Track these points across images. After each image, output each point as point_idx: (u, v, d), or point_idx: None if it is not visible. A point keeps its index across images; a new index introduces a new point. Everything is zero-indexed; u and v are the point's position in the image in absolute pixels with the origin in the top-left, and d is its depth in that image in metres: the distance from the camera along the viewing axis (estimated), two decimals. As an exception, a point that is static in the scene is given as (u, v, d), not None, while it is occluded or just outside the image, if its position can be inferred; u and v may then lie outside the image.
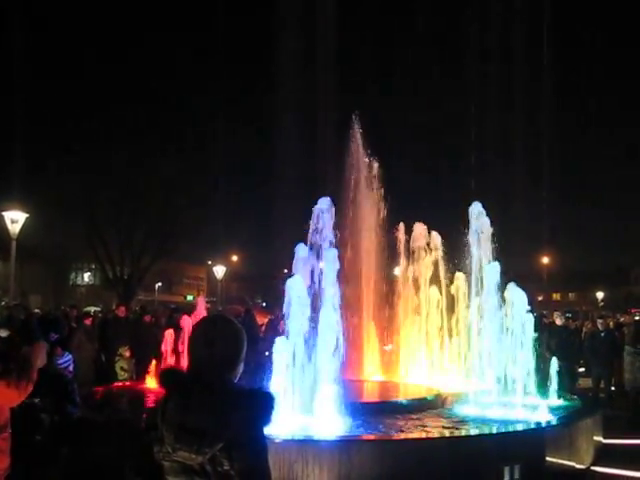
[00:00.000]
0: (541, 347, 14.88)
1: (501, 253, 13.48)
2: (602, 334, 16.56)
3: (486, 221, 13.43)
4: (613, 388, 17.97)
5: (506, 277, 12.57)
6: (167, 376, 3.15)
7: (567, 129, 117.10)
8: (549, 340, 16.01)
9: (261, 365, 12.33)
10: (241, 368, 3.19)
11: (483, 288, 12.80)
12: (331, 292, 10.33)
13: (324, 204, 12.14)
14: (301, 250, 11.28)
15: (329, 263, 10.47)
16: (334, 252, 10.71)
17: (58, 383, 9.22)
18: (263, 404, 2.96)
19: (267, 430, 2.97)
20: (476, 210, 13.42)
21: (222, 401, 2.89)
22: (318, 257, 11.73)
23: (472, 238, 13.36)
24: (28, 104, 39.70)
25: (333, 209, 12.18)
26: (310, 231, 12.13)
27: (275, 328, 16.85)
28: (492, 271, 12.60)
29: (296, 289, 10.28)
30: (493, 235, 13.40)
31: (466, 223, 13.52)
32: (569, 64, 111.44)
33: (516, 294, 11.94)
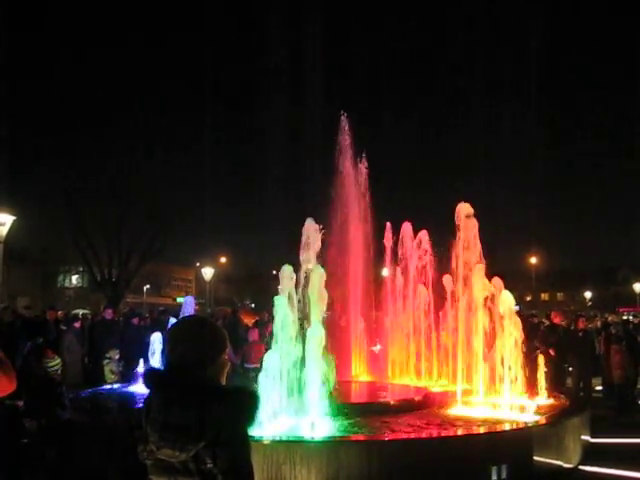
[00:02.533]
0: (533, 347, 14.98)
1: (489, 253, 13.51)
2: (580, 334, 16.62)
3: (474, 221, 13.46)
4: (599, 387, 18.09)
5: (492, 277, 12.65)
6: (150, 376, 3.17)
7: (555, 130, 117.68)
8: (549, 340, 16.01)
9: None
10: (225, 366, 3.21)
11: (470, 288, 12.84)
12: (317, 308, 10.29)
13: (310, 226, 11.98)
14: (286, 271, 11.16)
15: (315, 280, 10.40)
16: (321, 271, 10.62)
17: (47, 386, 9.21)
18: (247, 403, 2.99)
19: (252, 429, 2.99)
20: (464, 210, 13.44)
21: (205, 399, 2.91)
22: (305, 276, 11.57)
23: (459, 238, 13.39)
24: (13, 107, 39.56)
25: (319, 232, 12.02)
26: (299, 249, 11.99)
27: (262, 330, 16.85)
28: (479, 271, 12.65)
29: (282, 308, 10.30)
30: (481, 235, 13.43)
31: (454, 224, 13.55)
32: (556, 60, 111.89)
33: (503, 293, 12.02)
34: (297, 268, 11.52)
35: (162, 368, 3.25)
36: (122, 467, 3.13)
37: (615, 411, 15.06)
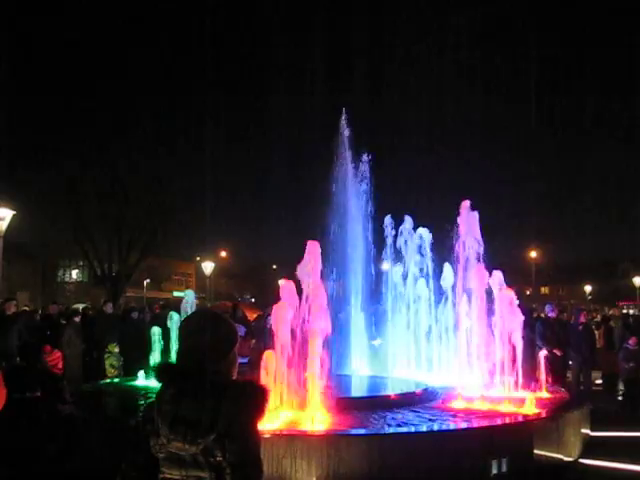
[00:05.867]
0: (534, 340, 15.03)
1: (489, 247, 13.52)
2: (580, 327, 16.59)
3: (475, 215, 13.47)
4: (599, 381, 18.10)
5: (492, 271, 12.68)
6: (162, 369, 3.21)
7: (556, 124, 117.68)
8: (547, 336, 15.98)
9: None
10: (236, 361, 3.26)
11: (470, 282, 12.86)
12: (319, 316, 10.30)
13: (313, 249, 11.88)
14: (287, 284, 11.13)
15: (317, 298, 10.39)
16: (321, 288, 10.60)
17: (48, 380, 9.22)
18: (255, 396, 3.02)
19: (260, 423, 3.01)
20: (465, 204, 13.46)
21: (215, 393, 2.95)
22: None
23: (460, 232, 13.41)
24: (13, 102, 39.51)
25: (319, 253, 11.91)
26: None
27: (263, 325, 16.84)
28: (479, 265, 12.69)
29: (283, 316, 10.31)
30: (482, 229, 13.44)
31: (455, 217, 13.57)
32: (556, 59, 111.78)
33: (502, 286, 12.07)
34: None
35: (174, 362, 3.27)
36: (135, 461, 3.14)
37: (623, 406, 14.95)
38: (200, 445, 2.88)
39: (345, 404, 10.18)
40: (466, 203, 13.53)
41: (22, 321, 16.83)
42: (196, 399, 2.93)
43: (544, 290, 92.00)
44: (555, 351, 15.01)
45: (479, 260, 13.23)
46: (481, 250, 13.37)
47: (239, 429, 2.89)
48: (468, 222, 13.46)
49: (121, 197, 40.32)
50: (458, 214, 13.67)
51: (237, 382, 3.15)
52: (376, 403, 10.92)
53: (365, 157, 17.24)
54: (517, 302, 12.66)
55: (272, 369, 9.75)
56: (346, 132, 17.49)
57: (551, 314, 17.36)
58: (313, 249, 11.30)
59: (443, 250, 15.39)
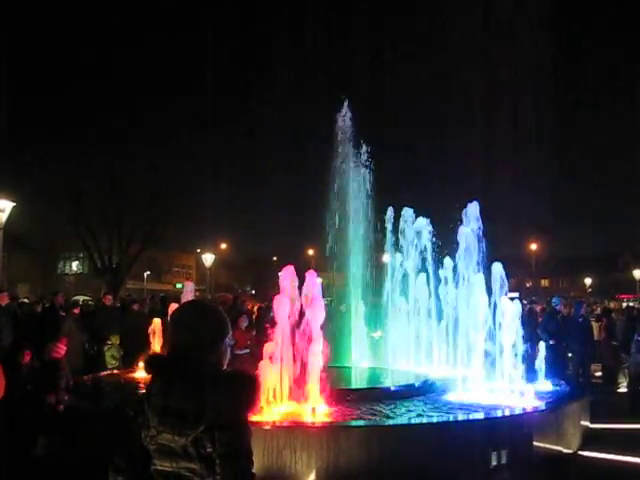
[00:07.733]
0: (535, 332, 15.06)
1: (489, 239, 13.52)
2: (580, 320, 16.58)
3: (475, 206, 13.46)
4: (599, 373, 18.13)
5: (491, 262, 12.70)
6: (151, 361, 3.18)
7: (557, 114, 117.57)
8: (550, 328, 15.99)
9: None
10: (227, 352, 3.22)
11: (469, 274, 12.87)
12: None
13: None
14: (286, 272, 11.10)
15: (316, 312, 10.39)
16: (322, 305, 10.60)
17: (53, 372, 9.27)
18: (245, 387, 2.99)
19: (251, 414, 2.99)
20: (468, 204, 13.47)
21: (204, 383, 2.92)
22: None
23: (460, 224, 13.40)
24: (13, 94, 39.48)
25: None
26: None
27: (265, 316, 16.86)
28: (477, 257, 12.73)
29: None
30: (481, 221, 13.42)
31: (454, 210, 13.56)
32: (562, 43, 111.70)
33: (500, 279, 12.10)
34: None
35: (163, 353, 3.25)
36: (127, 453, 3.13)
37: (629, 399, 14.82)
38: (189, 437, 2.86)
39: (345, 396, 10.19)
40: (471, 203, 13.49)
41: (23, 313, 16.90)
42: (184, 390, 2.91)
43: (544, 282, 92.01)
44: (551, 342, 15.04)
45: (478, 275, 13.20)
46: (480, 240, 13.36)
47: (228, 420, 2.87)
48: (468, 213, 13.45)
49: (122, 189, 40.29)
50: (460, 207, 13.65)
51: (227, 372, 3.13)
52: (376, 395, 10.94)
53: (365, 148, 17.18)
54: (516, 295, 12.68)
55: (273, 360, 9.78)
56: (347, 122, 17.41)
57: (559, 307, 17.32)
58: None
59: (444, 241, 15.39)
